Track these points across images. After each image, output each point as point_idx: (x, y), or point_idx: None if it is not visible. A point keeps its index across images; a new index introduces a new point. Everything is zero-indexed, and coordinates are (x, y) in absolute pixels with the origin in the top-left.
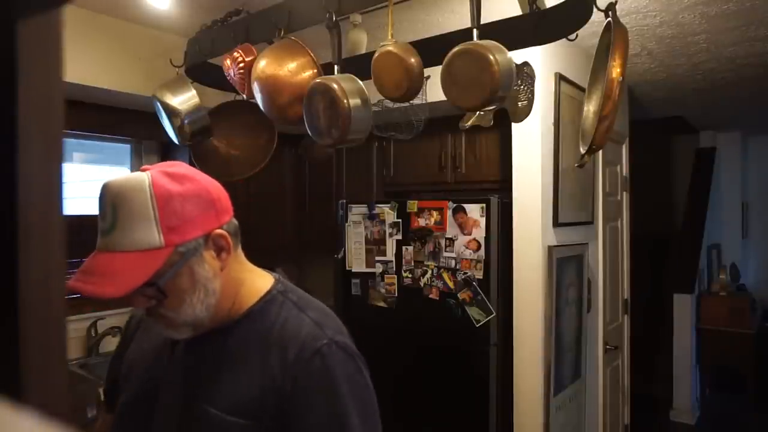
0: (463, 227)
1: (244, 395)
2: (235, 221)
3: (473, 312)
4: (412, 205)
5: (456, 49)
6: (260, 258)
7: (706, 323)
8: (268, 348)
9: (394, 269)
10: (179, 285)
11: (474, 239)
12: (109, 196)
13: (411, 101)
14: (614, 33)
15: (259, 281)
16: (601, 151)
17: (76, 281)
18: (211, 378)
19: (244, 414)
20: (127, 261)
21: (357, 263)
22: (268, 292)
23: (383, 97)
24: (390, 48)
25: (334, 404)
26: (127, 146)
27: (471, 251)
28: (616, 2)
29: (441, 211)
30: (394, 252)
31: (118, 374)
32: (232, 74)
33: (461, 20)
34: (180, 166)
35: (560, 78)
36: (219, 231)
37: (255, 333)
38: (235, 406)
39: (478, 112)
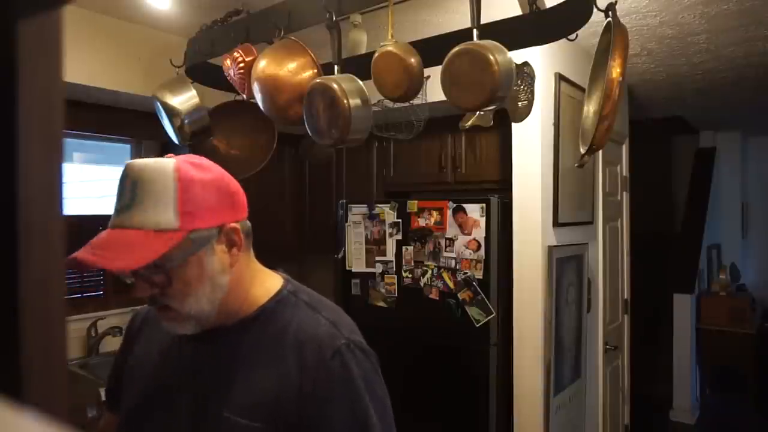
0: (463, 227)
1: (259, 398)
2: (248, 222)
3: (473, 312)
4: (412, 205)
5: (456, 49)
6: (260, 258)
7: (706, 323)
8: (284, 349)
9: (394, 269)
10: (187, 274)
11: (474, 239)
12: (131, 174)
13: (411, 101)
14: (614, 33)
15: (270, 281)
16: (601, 151)
17: (84, 253)
18: (225, 380)
19: (259, 417)
20: (139, 238)
21: (357, 263)
22: (279, 292)
23: (383, 97)
24: (390, 48)
25: (355, 404)
26: (127, 146)
27: (471, 251)
28: (616, 2)
29: (441, 211)
30: (394, 252)
31: (121, 374)
32: (232, 74)
33: (461, 20)
34: (203, 159)
35: (560, 78)
36: (233, 225)
37: (269, 334)
38: (249, 409)
39: (478, 112)
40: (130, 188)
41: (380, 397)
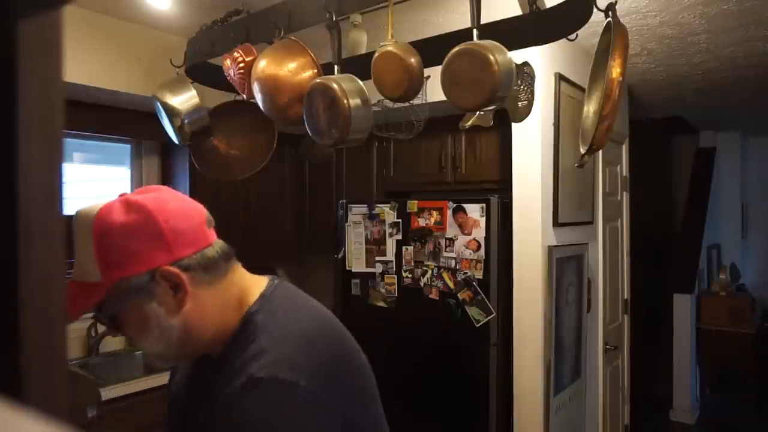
0: (463, 227)
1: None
2: (209, 252)
3: (473, 312)
4: (412, 205)
5: (456, 49)
6: (260, 258)
7: (706, 323)
8: (221, 381)
9: (394, 269)
10: (130, 320)
11: (474, 239)
12: (72, 224)
13: (411, 101)
14: (614, 33)
15: (249, 298)
16: (601, 151)
17: None
18: (206, 408)
19: None
20: (72, 290)
21: (357, 263)
22: (246, 313)
23: (383, 97)
24: (390, 48)
25: None
26: (127, 146)
27: (471, 251)
28: (616, 2)
29: (441, 211)
30: (394, 252)
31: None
32: (232, 74)
33: (461, 20)
34: (151, 192)
35: (560, 78)
36: (166, 268)
37: (231, 361)
38: None
39: (478, 112)
40: (75, 238)
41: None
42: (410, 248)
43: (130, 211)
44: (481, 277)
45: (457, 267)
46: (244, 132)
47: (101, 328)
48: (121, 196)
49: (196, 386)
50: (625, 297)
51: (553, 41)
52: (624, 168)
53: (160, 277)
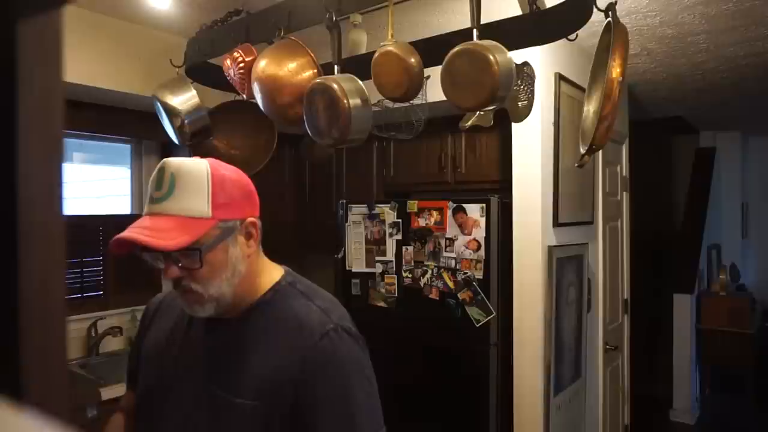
0: (463, 227)
1: (255, 379)
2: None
3: (473, 312)
4: (412, 205)
5: (456, 49)
6: None
7: (706, 323)
8: (279, 335)
9: (394, 269)
10: (214, 259)
11: (474, 239)
12: (169, 168)
13: (411, 101)
14: (614, 33)
15: (272, 273)
16: (601, 151)
17: (132, 233)
18: (225, 363)
19: (253, 396)
20: (179, 222)
21: (357, 263)
22: (278, 283)
23: (383, 97)
24: (390, 48)
25: (342, 384)
26: (127, 146)
27: (471, 251)
28: (616, 2)
29: (441, 211)
30: (394, 252)
31: (138, 356)
32: (232, 74)
33: (461, 20)
34: (223, 162)
35: (560, 78)
36: (252, 219)
37: (266, 321)
38: (244, 390)
39: (478, 112)
40: (169, 180)
41: (367, 378)
42: (410, 248)
43: (231, 170)
44: (481, 277)
45: (457, 267)
46: (244, 132)
47: (101, 328)
48: (209, 160)
49: (201, 343)
50: (625, 297)
51: (553, 41)
52: (624, 168)
53: (244, 226)
